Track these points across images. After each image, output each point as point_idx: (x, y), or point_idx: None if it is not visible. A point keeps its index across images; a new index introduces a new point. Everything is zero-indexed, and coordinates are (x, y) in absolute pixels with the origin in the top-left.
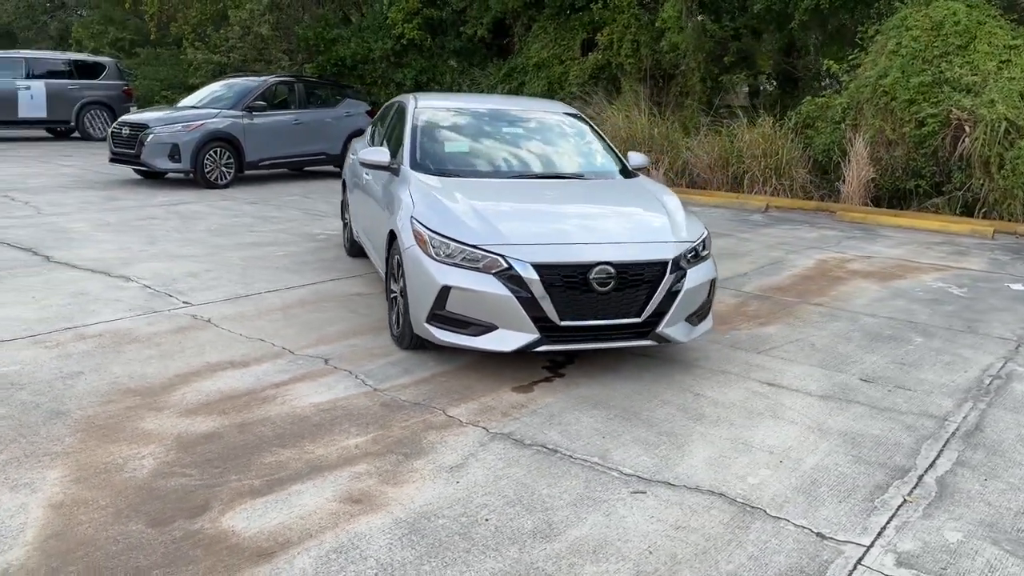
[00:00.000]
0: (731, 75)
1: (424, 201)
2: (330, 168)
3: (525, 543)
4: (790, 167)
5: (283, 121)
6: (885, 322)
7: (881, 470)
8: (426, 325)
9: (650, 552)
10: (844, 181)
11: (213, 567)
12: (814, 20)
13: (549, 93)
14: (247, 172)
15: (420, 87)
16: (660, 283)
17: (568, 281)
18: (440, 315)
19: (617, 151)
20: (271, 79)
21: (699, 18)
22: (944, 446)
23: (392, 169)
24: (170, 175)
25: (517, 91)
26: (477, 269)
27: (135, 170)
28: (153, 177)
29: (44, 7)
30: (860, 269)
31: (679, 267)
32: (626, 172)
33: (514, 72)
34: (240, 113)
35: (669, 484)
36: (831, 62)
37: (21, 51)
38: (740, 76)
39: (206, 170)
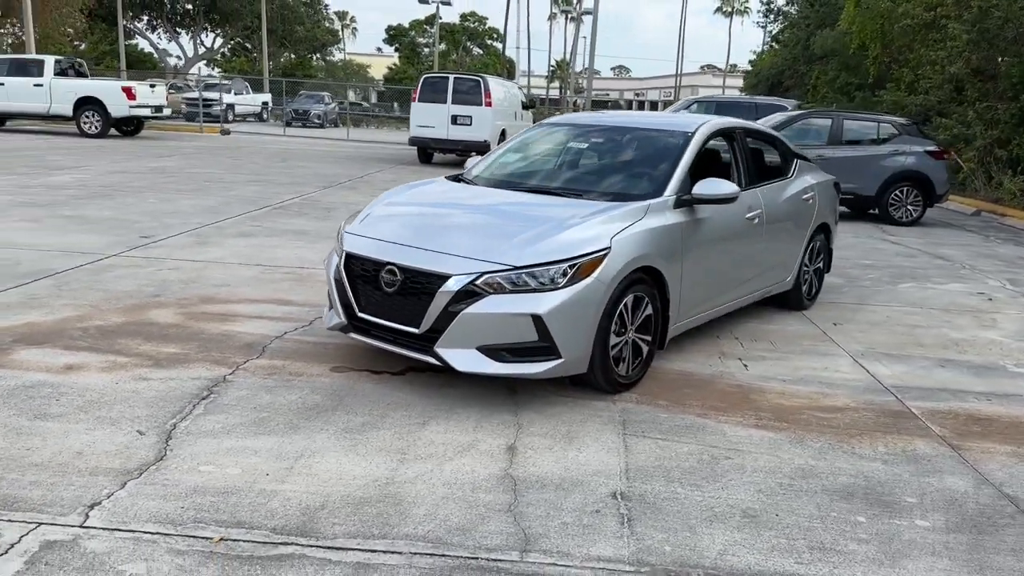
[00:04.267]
0: None
1: None
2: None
3: (21, 420)
4: None
5: None
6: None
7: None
8: None
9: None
10: None
11: None
12: None
13: None
14: None
15: None
16: (435, 297)
17: (363, 275)
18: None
19: (687, 177)
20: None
21: None
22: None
23: None
24: None
25: None
26: (339, 254)
27: None
28: None
29: (806, 58)
30: None
31: (472, 287)
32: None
33: None
34: None
35: (170, 456)
36: None
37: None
38: None
39: None
